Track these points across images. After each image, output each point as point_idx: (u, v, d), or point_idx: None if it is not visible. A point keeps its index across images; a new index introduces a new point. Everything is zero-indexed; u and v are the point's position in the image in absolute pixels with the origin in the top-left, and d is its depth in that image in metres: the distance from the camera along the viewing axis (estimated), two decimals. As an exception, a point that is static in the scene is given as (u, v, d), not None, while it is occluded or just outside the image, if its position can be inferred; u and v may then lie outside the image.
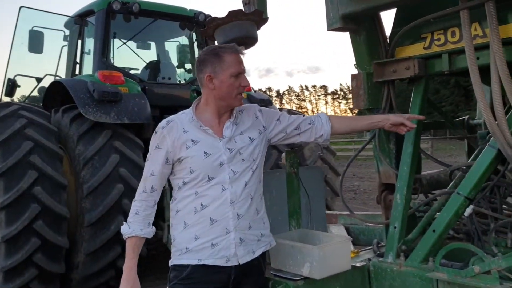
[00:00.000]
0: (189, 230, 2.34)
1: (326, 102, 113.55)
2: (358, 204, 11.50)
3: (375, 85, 3.05)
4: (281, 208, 2.86)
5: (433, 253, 2.61)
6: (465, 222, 3.04)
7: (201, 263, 2.31)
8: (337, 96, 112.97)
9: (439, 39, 2.83)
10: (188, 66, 7.47)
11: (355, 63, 3.13)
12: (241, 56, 2.39)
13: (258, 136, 2.47)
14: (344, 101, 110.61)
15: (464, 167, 3.01)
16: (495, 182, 2.74)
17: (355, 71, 3.14)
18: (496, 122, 2.47)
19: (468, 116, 4.00)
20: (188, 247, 2.33)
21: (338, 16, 2.92)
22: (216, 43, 3.32)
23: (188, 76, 7.33)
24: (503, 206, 3.05)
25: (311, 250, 2.43)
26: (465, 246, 2.41)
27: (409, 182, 2.85)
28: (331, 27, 3.00)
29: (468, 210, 2.57)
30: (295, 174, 2.88)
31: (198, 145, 2.33)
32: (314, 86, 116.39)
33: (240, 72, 2.35)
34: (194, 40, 7.36)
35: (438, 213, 2.95)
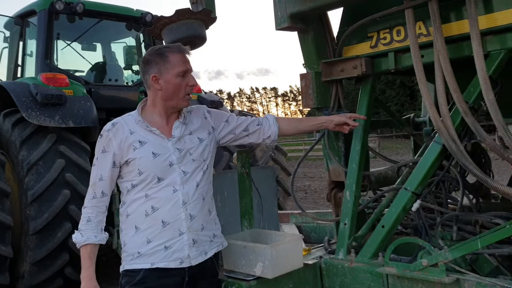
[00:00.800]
0: (140, 234, 2.27)
1: (277, 104, 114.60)
2: (309, 203, 11.64)
3: (323, 84, 3.08)
4: (233, 208, 2.83)
5: (383, 248, 2.66)
6: (413, 217, 3.13)
7: (154, 266, 2.25)
8: (287, 98, 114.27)
9: (385, 38, 2.89)
10: (135, 67, 7.32)
11: (303, 62, 3.15)
12: (187, 55, 2.35)
13: (207, 137, 2.44)
14: (294, 103, 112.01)
15: (410, 164, 3.09)
16: (441, 177, 2.81)
17: (304, 71, 3.16)
18: (441, 118, 2.54)
19: (413, 114, 4.12)
20: (140, 252, 2.26)
21: (286, 15, 2.93)
22: (163, 42, 3.25)
23: (136, 77, 7.18)
24: (448, 200, 3.16)
25: (264, 250, 2.41)
26: (413, 240, 2.46)
27: (358, 179, 2.89)
28: (279, 27, 3.00)
29: (416, 205, 2.63)
30: (247, 174, 2.86)
31: (145, 146, 2.27)
32: (264, 88, 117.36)
33: (186, 71, 2.31)
34: (141, 41, 7.22)
35: (387, 209, 3.02)
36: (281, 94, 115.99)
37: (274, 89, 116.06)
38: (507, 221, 2.74)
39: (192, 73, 2.37)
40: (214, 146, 2.48)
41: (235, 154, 2.87)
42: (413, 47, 2.62)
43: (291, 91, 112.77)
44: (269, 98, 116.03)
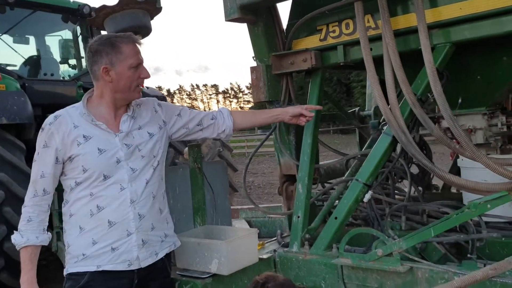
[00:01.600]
0: (85, 235, 2.15)
1: (218, 101, 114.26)
2: (253, 198, 11.65)
3: (274, 77, 3.06)
4: (186, 205, 2.75)
5: (336, 239, 2.68)
6: (362, 209, 3.18)
7: (100, 269, 2.13)
8: (228, 95, 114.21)
9: (334, 31, 2.91)
10: (72, 61, 6.99)
11: (254, 55, 3.11)
12: (138, 46, 2.24)
13: (158, 131, 2.34)
14: (235, 100, 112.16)
15: (359, 156, 3.13)
16: (390, 169, 2.86)
17: (254, 64, 3.12)
18: (390, 110, 2.58)
19: (358, 108, 4.19)
20: (85, 253, 2.14)
21: (236, 6, 2.87)
22: (105, 33, 3.11)
23: (73, 72, 6.86)
24: (396, 191, 3.24)
25: (219, 246, 2.36)
26: (368, 231, 2.49)
27: (309, 172, 2.89)
28: (229, 18, 2.94)
29: (367, 196, 2.66)
30: (199, 169, 2.78)
31: (90, 141, 2.14)
32: (205, 85, 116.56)
33: (139, 63, 2.20)
34: (78, 34, 6.90)
35: (338, 201, 3.04)
36: (222, 91, 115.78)
37: (214, 86, 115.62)
38: (455, 210, 2.85)
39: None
40: (165, 141, 2.39)
41: (186, 149, 2.79)
42: (362, 40, 2.64)
43: (231, 88, 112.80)
44: (210, 95, 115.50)
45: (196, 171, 2.78)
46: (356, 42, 2.83)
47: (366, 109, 4.21)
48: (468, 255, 2.59)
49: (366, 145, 3.52)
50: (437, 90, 2.43)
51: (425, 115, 2.55)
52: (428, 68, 2.45)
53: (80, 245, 2.15)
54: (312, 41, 3.01)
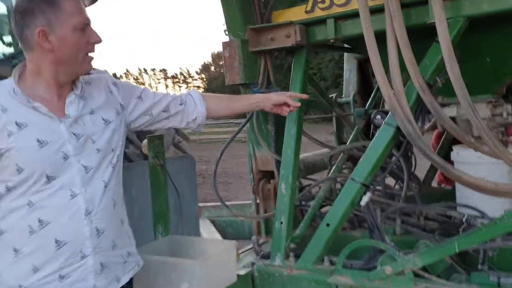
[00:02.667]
0: (23, 260, 1.59)
1: (167, 86, 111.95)
2: (209, 189, 11.17)
3: (251, 55, 2.57)
4: (144, 211, 2.23)
5: (328, 250, 2.25)
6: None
7: None
8: (177, 80, 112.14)
9: (323, 1, 2.44)
10: (7, 38, 6.18)
11: (226, 28, 2.60)
12: (83, 5, 1.69)
13: (116, 118, 1.80)
14: (184, 85, 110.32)
15: (355, 149, 2.70)
16: (391, 166, 2.46)
17: (223, 40, 2.62)
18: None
19: (335, 94, 3.76)
20: (23, 285, 1.58)
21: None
22: None
23: (8, 50, 6.06)
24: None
25: (190, 267, 1.86)
26: (375, 243, 2.07)
27: (294, 169, 2.44)
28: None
29: (365, 199, 2.24)
30: (162, 166, 2.26)
31: (26, 130, 1.57)
32: (153, 70, 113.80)
33: (86, 24, 1.65)
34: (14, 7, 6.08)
35: (325, 202, 2.61)
36: (171, 76, 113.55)
37: (163, 70, 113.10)
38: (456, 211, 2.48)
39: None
40: (124, 131, 1.85)
41: (145, 141, 2.26)
42: (363, 11, 2.18)
43: (181, 73, 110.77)
44: (158, 79, 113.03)
45: (157, 169, 2.26)
46: (350, 15, 2.39)
47: (343, 96, 3.80)
48: (479, 266, 2.24)
49: (352, 136, 3.10)
50: (454, 72, 2.01)
51: (435, 102, 2.14)
52: (444, 45, 2.03)
53: (16, 273, 1.59)
54: (296, 13, 2.53)
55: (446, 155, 3.46)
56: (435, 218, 2.62)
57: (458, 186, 2.81)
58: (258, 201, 3.26)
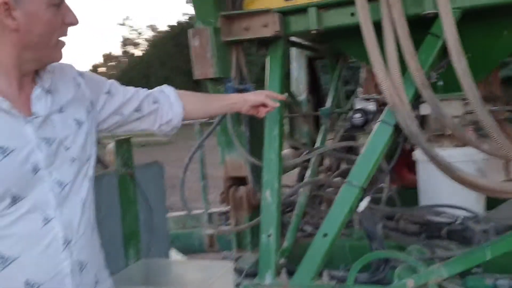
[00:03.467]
0: None
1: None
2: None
3: (224, 46, 2.26)
4: (113, 232, 1.82)
5: (325, 263, 2.02)
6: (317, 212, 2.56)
7: None
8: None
9: (305, -13, 2.21)
10: None
11: (195, 13, 2.26)
12: None
13: (87, 118, 1.41)
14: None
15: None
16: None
17: (191, 28, 2.28)
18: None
19: (286, 93, 3.55)
20: None
21: None
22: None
23: None
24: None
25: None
26: (391, 255, 1.87)
27: (279, 174, 2.17)
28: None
29: (363, 204, 2.04)
30: (131, 176, 1.87)
31: None
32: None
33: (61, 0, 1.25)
34: None
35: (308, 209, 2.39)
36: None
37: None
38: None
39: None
40: (96, 134, 1.46)
41: (110, 146, 1.85)
42: (359, -2, 1.99)
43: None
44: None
45: (127, 180, 1.86)
46: (334, 4, 2.19)
47: (297, 95, 3.60)
48: (474, 269, 2.15)
49: (320, 136, 2.90)
50: (462, 67, 1.89)
51: (436, 98, 2.01)
52: (450, 36, 1.90)
53: None
54: (272, 0, 2.27)
55: (391, 156, 3.43)
56: (416, 221, 2.52)
57: (422, 187, 2.74)
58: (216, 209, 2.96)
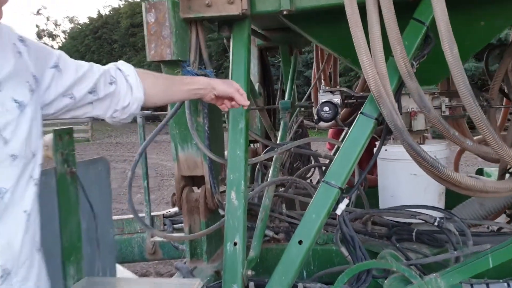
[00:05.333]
0: None
1: None
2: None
3: (183, 24, 1.94)
4: (51, 244, 1.45)
5: (300, 273, 1.78)
6: (279, 216, 2.32)
7: None
8: None
9: (276, -39, 1.95)
10: None
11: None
12: None
13: (30, 98, 1.07)
14: None
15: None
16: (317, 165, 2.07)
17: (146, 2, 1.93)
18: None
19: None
20: None
21: None
22: None
23: None
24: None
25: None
26: (386, 265, 1.64)
27: (245, 172, 1.89)
28: None
29: (342, 206, 1.82)
30: (73, 175, 1.50)
31: None
32: None
33: None
34: None
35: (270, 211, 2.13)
36: None
37: None
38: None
39: None
40: (41, 121, 1.12)
41: (47, 137, 1.49)
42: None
43: None
44: None
45: (67, 180, 1.50)
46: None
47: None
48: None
49: (280, 132, 2.65)
50: (453, 53, 1.72)
51: (421, 89, 1.83)
52: (442, 23, 1.72)
53: None
54: (237, -25, 1.99)
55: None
56: (383, 223, 2.35)
57: (382, 186, 2.59)
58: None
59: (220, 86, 1.64)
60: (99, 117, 1.41)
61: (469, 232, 2.02)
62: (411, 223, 2.33)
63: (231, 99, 1.66)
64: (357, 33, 1.76)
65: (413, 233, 2.23)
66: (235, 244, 1.81)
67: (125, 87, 1.39)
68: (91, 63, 1.34)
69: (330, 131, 3.63)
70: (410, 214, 2.11)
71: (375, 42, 1.78)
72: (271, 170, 2.31)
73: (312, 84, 3.24)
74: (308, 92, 3.29)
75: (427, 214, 2.10)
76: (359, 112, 1.87)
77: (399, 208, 2.21)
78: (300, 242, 1.76)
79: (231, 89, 1.65)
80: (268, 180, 2.24)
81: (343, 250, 1.94)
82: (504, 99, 2.97)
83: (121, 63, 1.46)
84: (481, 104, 2.34)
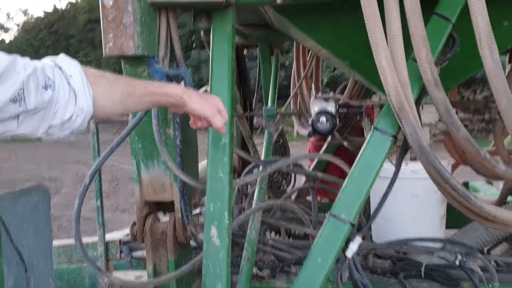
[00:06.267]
0: None
1: None
2: None
3: (151, 11, 1.52)
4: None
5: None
6: (265, 248, 1.93)
7: None
8: None
9: None
10: None
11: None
12: None
13: None
14: None
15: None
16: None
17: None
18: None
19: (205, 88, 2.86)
20: None
21: None
22: None
23: None
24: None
25: None
26: None
27: (229, 202, 1.49)
28: None
29: (353, 247, 1.44)
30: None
31: None
32: None
33: None
34: None
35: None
36: None
37: None
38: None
39: None
40: None
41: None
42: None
43: None
44: None
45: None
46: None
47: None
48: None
49: (264, 143, 2.25)
50: (494, 60, 1.38)
51: (449, 102, 1.48)
52: (479, 17, 1.38)
53: None
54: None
55: (323, 170, 2.92)
56: (385, 255, 1.99)
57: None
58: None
59: (195, 104, 1.25)
60: (28, 136, 0.98)
61: (494, 271, 1.69)
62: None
63: (205, 120, 1.28)
64: (375, 28, 1.39)
65: (422, 269, 1.90)
66: (216, 294, 1.40)
67: (66, 93, 0.98)
68: (15, 56, 0.91)
69: (310, 145, 3.26)
70: (427, 251, 1.76)
71: (396, 42, 1.42)
72: (256, 191, 1.90)
73: (293, 92, 2.87)
74: (288, 100, 2.91)
75: (445, 250, 1.76)
76: (373, 127, 1.50)
77: (408, 240, 1.87)
78: (302, 296, 1.37)
79: (210, 111, 1.26)
80: (253, 205, 1.84)
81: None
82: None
83: (61, 59, 1.03)
84: (494, 117, 2.03)
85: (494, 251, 2.34)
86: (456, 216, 2.55)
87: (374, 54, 1.40)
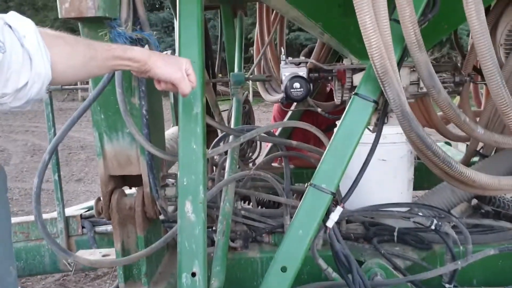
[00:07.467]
0: None
1: None
2: None
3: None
4: None
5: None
6: (241, 219, 1.86)
7: None
8: None
9: None
10: None
11: None
12: None
13: None
14: None
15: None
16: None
17: None
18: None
19: (169, 51, 2.70)
20: None
21: None
22: None
23: None
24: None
25: None
26: None
27: (204, 176, 1.39)
28: None
29: (334, 217, 1.39)
30: None
31: None
32: None
33: None
34: None
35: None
36: None
37: None
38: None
39: None
40: None
41: None
42: None
43: None
44: None
45: None
46: None
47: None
48: (446, 285, 1.69)
49: (233, 112, 2.14)
50: (481, 20, 1.31)
51: (431, 65, 1.42)
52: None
53: None
54: None
55: (289, 135, 2.86)
56: (358, 220, 1.97)
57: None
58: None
59: (161, 69, 1.15)
60: None
61: (468, 235, 1.69)
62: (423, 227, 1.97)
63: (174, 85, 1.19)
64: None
65: (395, 233, 1.89)
66: (193, 274, 1.32)
67: (20, 56, 0.85)
68: None
69: (276, 106, 3.17)
70: (402, 216, 1.74)
71: (379, 0, 1.33)
72: (228, 162, 1.81)
73: (257, 58, 2.74)
74: (254, 65, 2.78)
75: (421, 215, 1.75)
76: (353, 93, 1.43)
77: (379, 206, 1.84)
78: (283, 269, 1.32)
79: (176, 76, 1.17)
80: (226, 176, 1.75)
81: (321, 262, 1.54)
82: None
83: (12, 16, 0.90)
84: (464, 79, 2.00)
85: (453, 211, 2.38)
86: (423, 178, 2.59)
87: (357, 13, 1.31)
